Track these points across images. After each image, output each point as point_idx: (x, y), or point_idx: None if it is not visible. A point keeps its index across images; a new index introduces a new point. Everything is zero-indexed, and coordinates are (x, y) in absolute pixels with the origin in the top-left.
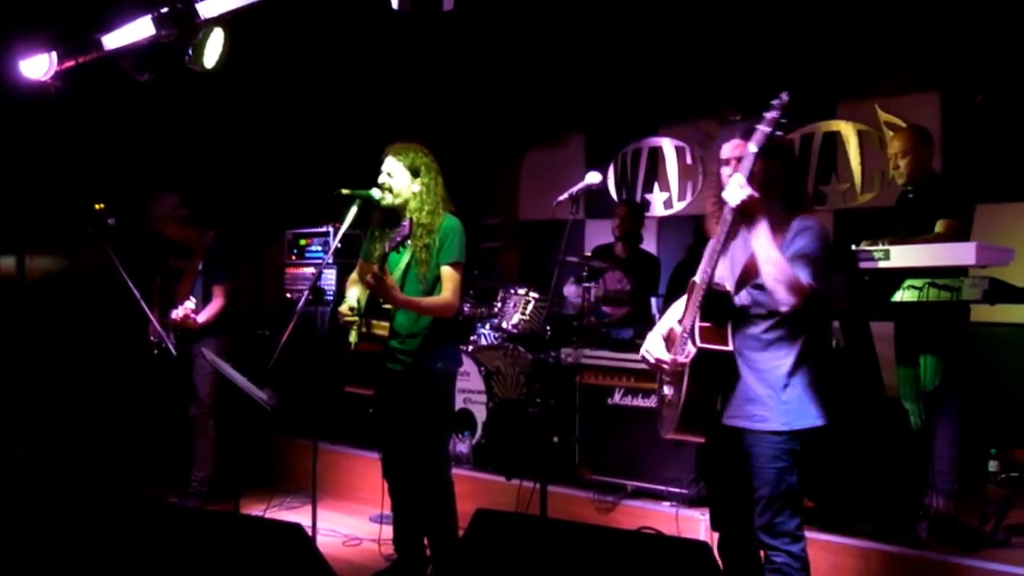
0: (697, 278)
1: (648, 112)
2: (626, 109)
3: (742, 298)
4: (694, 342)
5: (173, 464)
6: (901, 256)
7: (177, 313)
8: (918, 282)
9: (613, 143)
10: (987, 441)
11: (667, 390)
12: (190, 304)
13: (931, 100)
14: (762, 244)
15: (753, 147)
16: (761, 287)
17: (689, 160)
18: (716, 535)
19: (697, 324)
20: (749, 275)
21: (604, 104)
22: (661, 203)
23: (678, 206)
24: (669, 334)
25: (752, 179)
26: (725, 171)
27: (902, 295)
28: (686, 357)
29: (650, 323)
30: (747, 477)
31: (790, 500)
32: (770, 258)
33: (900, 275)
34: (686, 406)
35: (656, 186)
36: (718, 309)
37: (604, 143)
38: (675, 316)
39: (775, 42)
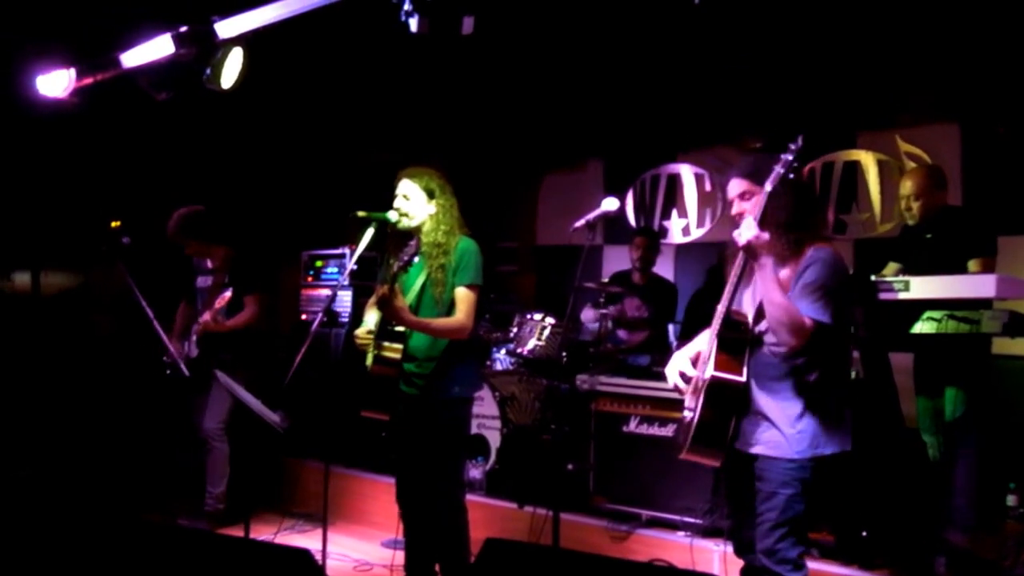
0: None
1: (667, 139)
2: (645, 135)
3: (762, 327)
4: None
5: (184, 485)
6: (921, 287)
7: (205, 316)
8: (937, 314)
9: (632, 169)
10: (1006, 475)
11: (687, 412)
12: (227, 294)
13: (951, 131)
14: (766, 284)
15: (768, 186)
16: None
17: (708, 187)
18: (741, 563)
19: (714, 352)
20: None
21: (623, 130)
22: (679, 230)
23: (696, 233)
24: (697, 357)
25: (765, 218)
26: (734, 207)
27: (921, 327)
28: (702, 380)
29: (667, 350)
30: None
31: (795, 528)
32: (772, 299)
33: (919, 307)
34: (698, 428)
35: (674, 213)
36: (735, 337)
37: (623, 169)
38: (704, 341)
39: (795, 71)
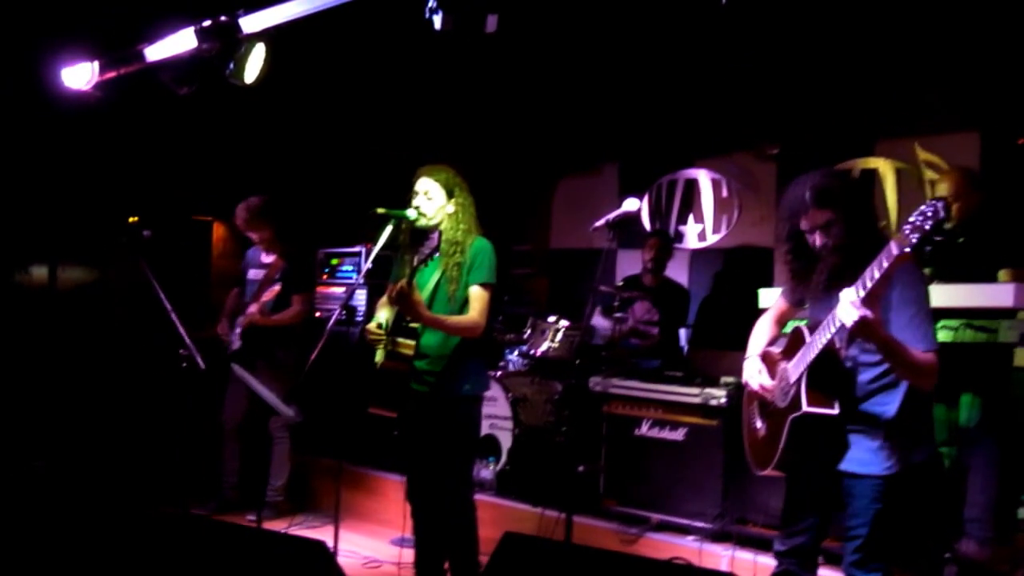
0: (807, 335)
1: (684, 144)
2: (662, 140)
3: (852, 351)
4: (799, 402)
5: (199, 476)
6: (938, 296)
7: (252, 308)
8: (953, 322)
9: (648, 174)
10: (1019, 488)
11: (758, 423)
12: (275, 288)
13: (971, 140)
14: (890, 353)
15: (894, 250)
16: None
17: (725, 193)
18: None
19: (804, 385)
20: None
21: (640, 135)
22: (695, 235)
23: (712, 239)
24: (765, 356)
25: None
26: (812, 238)
27: (937, 335)
28: (788, 403)
29: (678, 354)
30: (828, 515)
31: (883, 540)
32: (904, 362)
33: (936, 315)
34: (784, 453)
35: (691, 218)
36: (828, 370)
37: (639, 173)
38: (763, 339)
39: (814, 77)
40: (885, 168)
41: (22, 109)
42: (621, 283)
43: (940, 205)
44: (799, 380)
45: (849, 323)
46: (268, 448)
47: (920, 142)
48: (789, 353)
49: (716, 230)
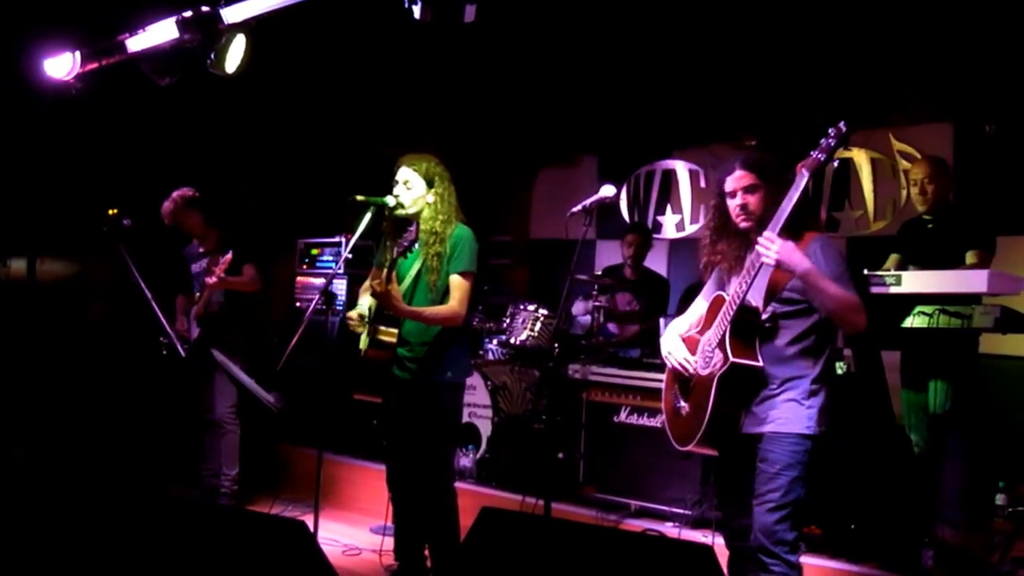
0: (727, 294)
1: (662, 135)
2: (640, 131)
3: (771, 308)
4: (726, 356)
5: (180, 465)
6: (912, 282)
7: (211, 278)
8: (928, 308)
9: (627, 164)
10: (995, 474)
11: (681, 403)
12: (228, 256)
13: (944, 131)
14: (822, 286)
15: (805, 172)
16: (786, 301)
17: (703, 183)
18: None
19: (728, 339)
20: (774, 291)
21: (618, 126)
22: (673, 225)
23: (690, 229)
24: (686, 340)
25: (795, 210)
26: (732, 202)
27: (912, 321)
28: (712, 368)
29: (657, 343)
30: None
31: (795, 511)
32: (835, 295)
33: (910, 301)
34: (712, 419)
35: (669, 208)
36: (748, 325)
37: (618, 164)
38: (686, 323)
39: (790, 69)
40: (861, 158)
41: (2, 99)
42: (600, 273)
43: (842, 124)
44: (723, 336)
45: (800, 270)
46: (217, 438)
47: (895, 133)
48: (710, 322)
49: (694, 220)
